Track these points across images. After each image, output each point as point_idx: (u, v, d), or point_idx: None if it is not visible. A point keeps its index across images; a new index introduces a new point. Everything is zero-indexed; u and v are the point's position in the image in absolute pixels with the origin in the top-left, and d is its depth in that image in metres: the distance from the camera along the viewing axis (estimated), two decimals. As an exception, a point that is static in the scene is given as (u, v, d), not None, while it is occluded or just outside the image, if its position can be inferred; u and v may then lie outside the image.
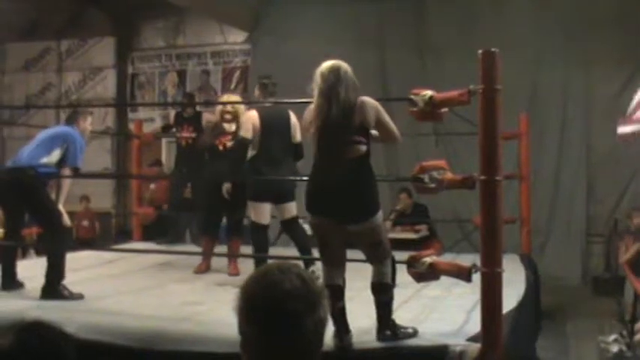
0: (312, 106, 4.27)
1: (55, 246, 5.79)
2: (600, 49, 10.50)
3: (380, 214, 4.22)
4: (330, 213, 4.11)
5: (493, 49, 4.06)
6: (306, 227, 6.32)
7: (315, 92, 4.20)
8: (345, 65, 4.24)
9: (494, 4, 11.13)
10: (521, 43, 10.43)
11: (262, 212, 6.37)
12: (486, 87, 4.02)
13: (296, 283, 1.71)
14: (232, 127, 7.19)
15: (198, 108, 9.55)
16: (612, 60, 10.47)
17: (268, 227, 6.49)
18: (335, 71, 4.17)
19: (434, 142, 9.29)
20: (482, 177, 3.99)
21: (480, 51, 4.06)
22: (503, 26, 10.57)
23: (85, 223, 12.22)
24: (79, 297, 5.53)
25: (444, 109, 4.46)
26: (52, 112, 13.20)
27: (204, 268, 7.15)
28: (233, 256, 7.08)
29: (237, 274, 6.83)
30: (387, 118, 4.30)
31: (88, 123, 6.16)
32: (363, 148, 4.14)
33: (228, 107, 7.24)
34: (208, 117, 8.53)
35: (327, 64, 4.23)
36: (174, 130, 9.32)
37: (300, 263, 6.52)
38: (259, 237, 6.40)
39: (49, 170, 5.81)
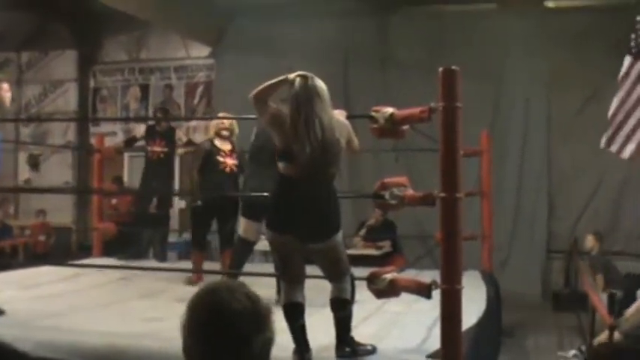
0: (286, 118, 4.04)
1: None
2: (562, 67, 10.66)
3: (341, 232, 4.21)
4: (296, 231, 4.06)
5: (453, 67, 4.08)
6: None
7: (293, 104, 3.98)
8: (319, 81, 4.07)
9: (457, 22, 11.26)
10: (483, 60, 10.55)
11: (252, 230, 6.35)
12: (447, 104, 4.02)
13: (245, 303, 1.70)
14: (227, 145, 7.09)
15: (171, 123, 9.48)
16: (573, 78, 10.62)
17: (255, 244, 6.57)
18: (315, 86, 4.00)
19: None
20: (442, 194, 4.00)
21: (441, 69, 4.07)
22: (467, 44, 10.69)
23: (42, 237, 12.11)
24: None
25: (405, 127, 4.47)
26: (11, 125, 12.99)
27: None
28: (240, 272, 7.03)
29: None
30: (353, 136, 4.29)
31: (3, 91, 5.48)
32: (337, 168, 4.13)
33: (226, 123, 7.10)
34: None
35: (305, 77, 4.01)
36: (143, 142, 9.18)
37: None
38: (243, 252, 6.45)
39: None
